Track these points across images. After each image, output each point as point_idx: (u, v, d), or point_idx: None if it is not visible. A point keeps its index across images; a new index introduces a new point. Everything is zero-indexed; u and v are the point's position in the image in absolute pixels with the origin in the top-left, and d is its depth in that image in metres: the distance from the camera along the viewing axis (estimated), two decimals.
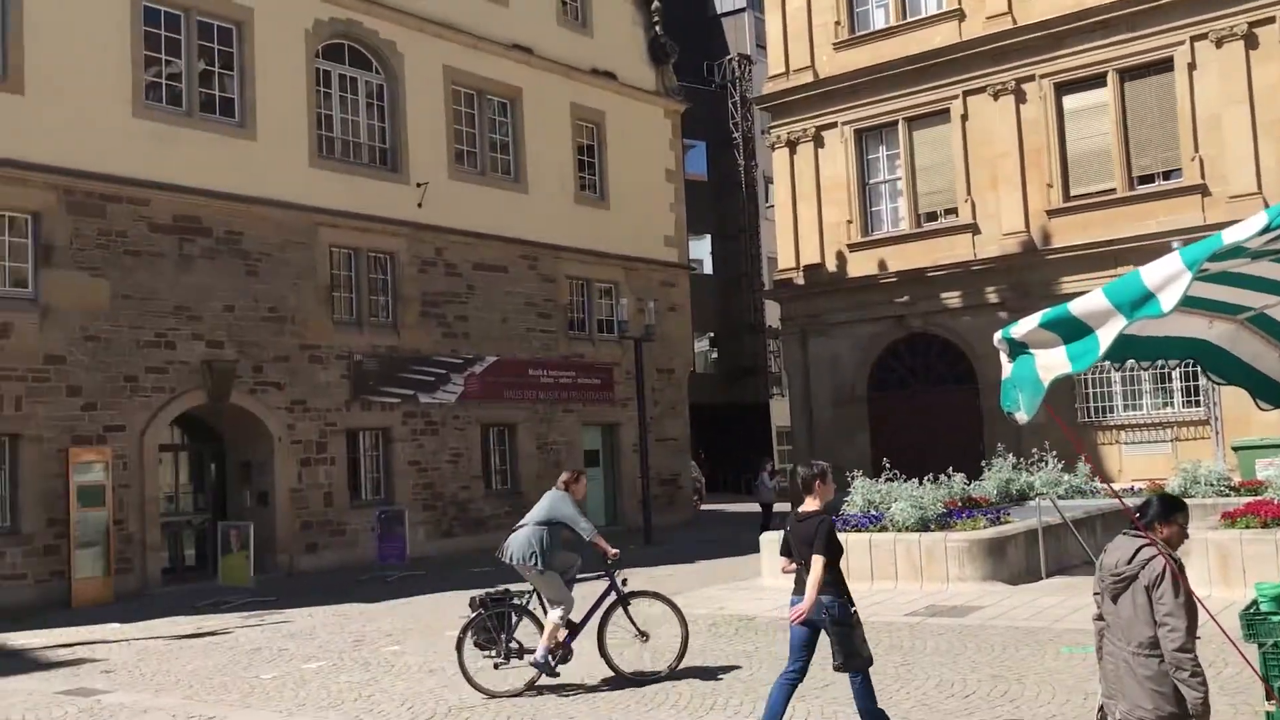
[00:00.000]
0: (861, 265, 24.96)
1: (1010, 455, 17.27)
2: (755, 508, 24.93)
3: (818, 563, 6.40)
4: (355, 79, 20.54)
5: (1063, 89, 22.54)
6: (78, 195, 16.35)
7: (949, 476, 15.63)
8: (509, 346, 22.51)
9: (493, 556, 10.05)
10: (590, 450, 24.32)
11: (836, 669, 6.48)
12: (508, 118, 23.22)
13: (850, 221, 25.05)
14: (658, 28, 26.78)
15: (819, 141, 25.55)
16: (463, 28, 22.10)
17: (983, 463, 17.65)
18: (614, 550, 8.88)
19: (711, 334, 38.03)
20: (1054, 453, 17.06)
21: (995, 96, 23.07)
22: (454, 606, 13.64)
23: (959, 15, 23.69)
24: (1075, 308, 4.05)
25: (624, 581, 9.02)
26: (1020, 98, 22.86)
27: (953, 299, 23.73)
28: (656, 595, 9.35)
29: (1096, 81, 22.04)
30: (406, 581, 16.60)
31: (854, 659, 6.37)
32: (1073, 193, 22.53)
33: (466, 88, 22.35)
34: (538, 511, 8.95)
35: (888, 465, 15.66)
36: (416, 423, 20.74)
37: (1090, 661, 8.50)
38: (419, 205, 20.89)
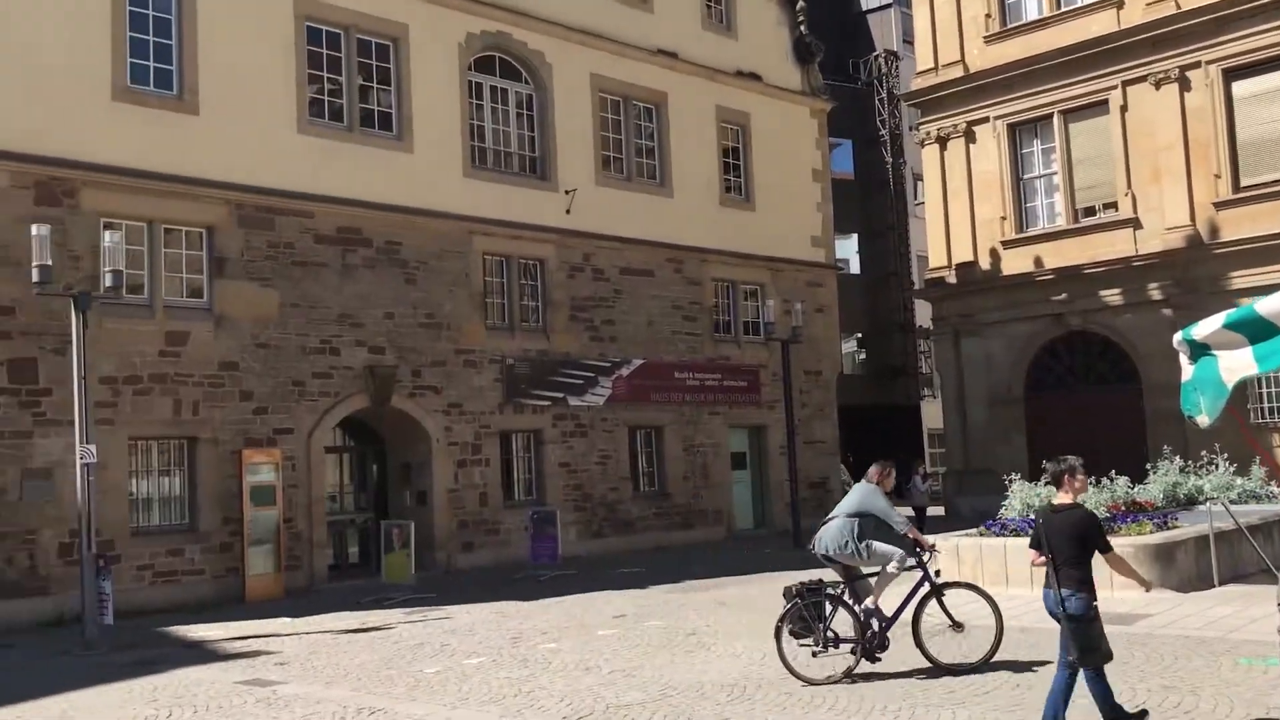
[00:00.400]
0: (1016, 263, 24.33)
1: (1177, 458, 16.60)
2: (908, 511, 24.53)
3: (1113, 558, 6.61)
4: (505, 90, 21.03)
5: (1232, 75, 21.55)
6: (248, 209, 17.18)
7: (1111, 480, 15.10)
8: (655, 349, 22.70)
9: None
10: (737, 453, 24.31)
11: (1070, 665, 6.37)
12: (653, 122, 23.42)
13: (1004, 218, 24.44)
14: (802, 27, 26.61)
15: (970, 137, 25.03)
16: (608, 35, 22.39)
17: (1147, 465, 17.01)
18: (930, 541, 9.20)
19: (859, 334, 37.54)
20: (1225, 455, 16.32)
21: (1157, 85, 22.21)
22: (606, 605, 13.89)
23: (1117, 3, 22.89)
24: (1262, 307, 3.91)
25: (936, 573, 9.10)
26: (1185, 86, 21.96)
27: (1113, 296, 22.92)
28: (971, 586, 9.41)
29: (1269, 66, 20.99)
30: (559, 580, 16.91)
31: (1090, 654, 6.31)
32: (1243, 183, 21.52)
33: (612, 94, 22.64)
34: (848, 504, 9.25)
35: (1045, 468, 15.23)
36: (566, 425, 21.10)
37: (1272, 675, 8.15)
38: (567, 212, 21.25)
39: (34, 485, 14.79)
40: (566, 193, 21.29)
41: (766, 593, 13.21)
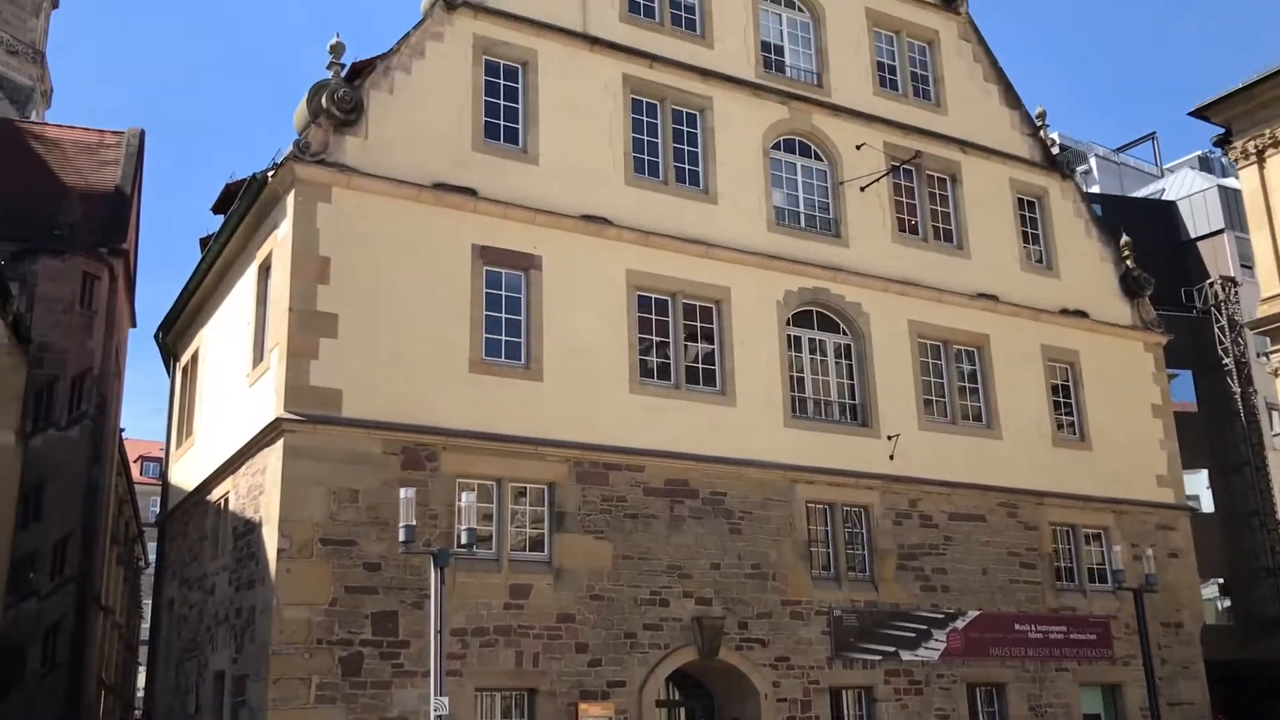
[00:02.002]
0: None
1: None
2: None
3: None
4: (824, 341, 21.50)
5: None
6: (585, 466, 18.16)
7: None
8: (991, 599, 21.54)
9: None
10: (1090, 714, 22.23)
11: None
12: (975, 364, 23.10)
13: None
14: (1128, 261, 25.85)
15: None
16: (925, 284, 22.61)
17: None
18: None
19: (1220, 580, 34.06)
20: None
21: None
22: None
23: None
24: None
25: None
26: None
27: None
28: None
29: None
30: None
31: None
32: None
33: (932, 339, 22.62)
34: None
35: None
36: (899, 681, 20.15)
37: None
38: (890, 458, 21.04)
39: None
40: (889, 438, 21.15)
41: None
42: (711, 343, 20.14)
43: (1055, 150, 26.24)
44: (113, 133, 34.07)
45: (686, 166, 20.83)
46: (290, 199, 17.12)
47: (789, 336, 20.98)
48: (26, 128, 35.48)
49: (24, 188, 29.60)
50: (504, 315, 18.24)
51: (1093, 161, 51.30)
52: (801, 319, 21.34)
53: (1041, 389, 23.67)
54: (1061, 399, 24.06)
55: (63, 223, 28.82)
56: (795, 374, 20.92)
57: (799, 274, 21.19)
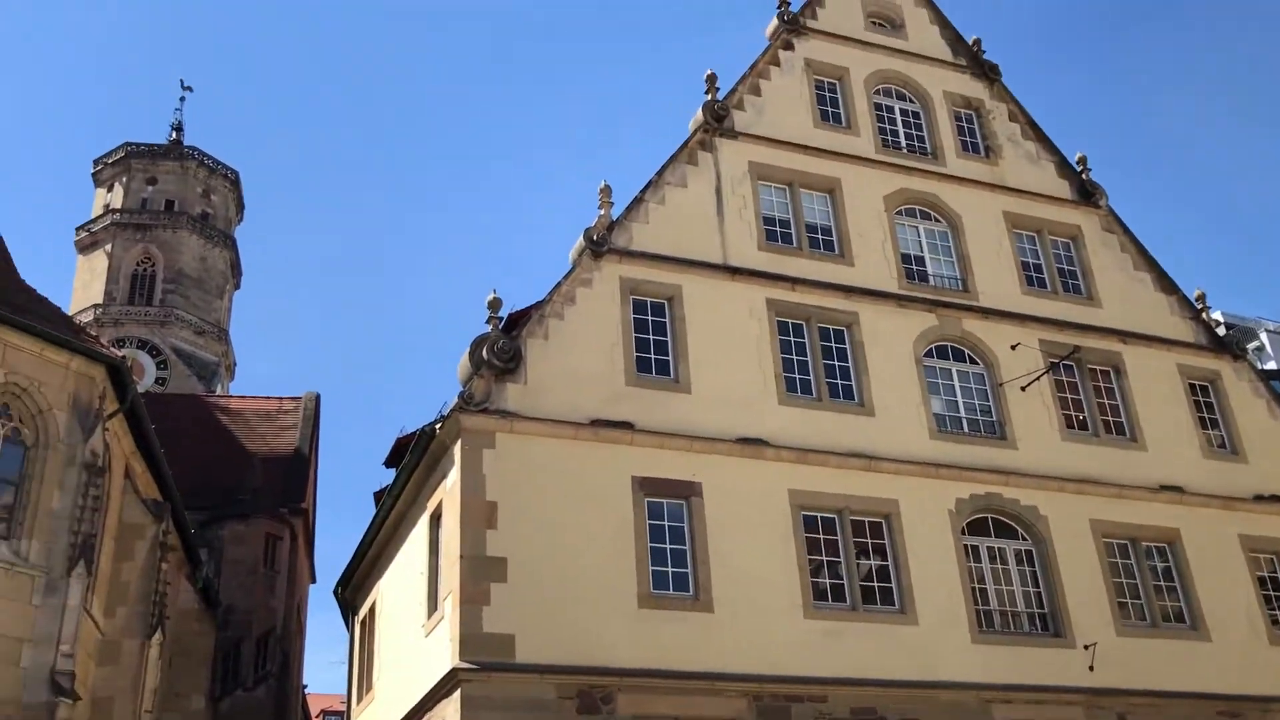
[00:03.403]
0: None
1: None
2: None
3: None
4: (1003, 548, 20.60)
5: None
6: (765, 699, 17.46)
7: None
8: None
9: None
10: None
11: None
12: (1169, 561, 21.72)
13: None
14: None
15: None
16: (1103, 480, 21.65)
17: None
18: None
19: None
20: None
21: None
22: None
23: None
24: None
25: None
26: None
27: None
28: None
29: None
30: None
31: None
32: None
33: (1118, 538, 21.45)
34: None
35: None
36: None
37: None
38: (1090, 668, 19.66)
39: None
40: (1085, 647, 19.81)
41: None
42: (884, 558, 19.52)
43: (1221, 330, 25.36)
44: (290, 399, 36.22)
45: (839, 381, 20.82)
46: (457, 448, 17.70)
47: (966, 546, 20.19)
48: (213, 401, 38.04)
49: (212, 458, 31.45)
50: (668, 546, 18.14)
51: (1264, 337, 49.32)
52: (977, 527, 20.58)
53: (1248, 582, 22.01)
54: (1272, 592, 22.29)
55: (247, 488, 30.36)
56: (977, 585, 20.01)
57: (968, 480, 20.59)
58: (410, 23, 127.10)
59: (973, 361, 22.26)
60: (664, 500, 18.35)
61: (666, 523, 18.27)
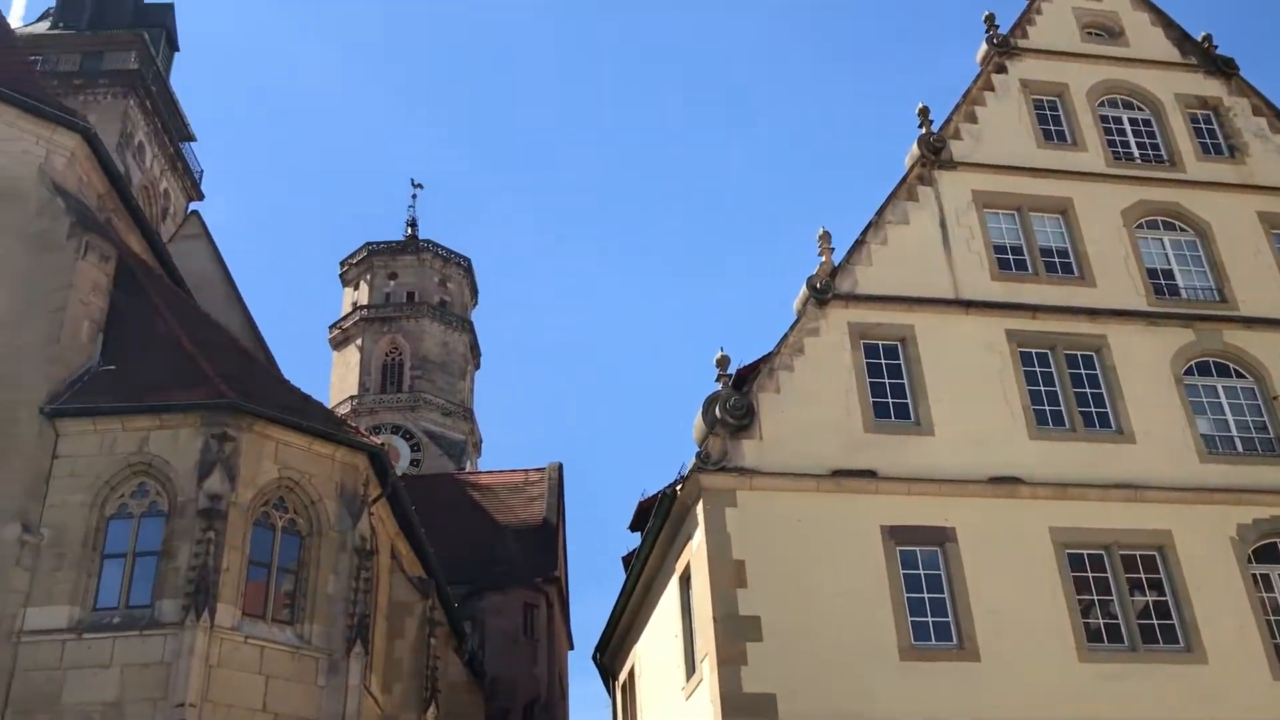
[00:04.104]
0: None
1: None
2: None
3: None
4: None
5: None
6: None
7: None
8: None
9: None
10: None
11: None
12: None
13: None
14: None
15: None
16: None
17: None
18: None
19: None
20: None
21: None
22: None
23: None
24: None
25: None
26: None
27: None
28: None
29: None
30: None
31: None
32: None
33: None
34: None
35: None
36: None
37: None
38: None
39: None
40: None
41: None
42: (1162, 593, 18.21)
43: None
44: (535, 470, 37.41)
45: (1093, 409, 19.74)
46: (699, 508, 17.75)
47: (1255, 575, 18.61)
48: (464, 479, 39.72)
49: (467, 533, 32.77)
50: (926, 595, 17.54)
51: None
52: (1265, 553, 18.94)
53: None
54: None
55: (501, 560, 31.42)
56: (1272, 617, 18.37)
57: (1249, 504, 19.02)
58: (613, 90, 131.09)
59: (1239, 375, 20.67)
60: (916, 548, 17.80)
61: (922, 571, 17.70)
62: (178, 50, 47.44)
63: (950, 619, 17.33)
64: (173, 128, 44.67)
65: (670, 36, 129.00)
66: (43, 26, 43.77)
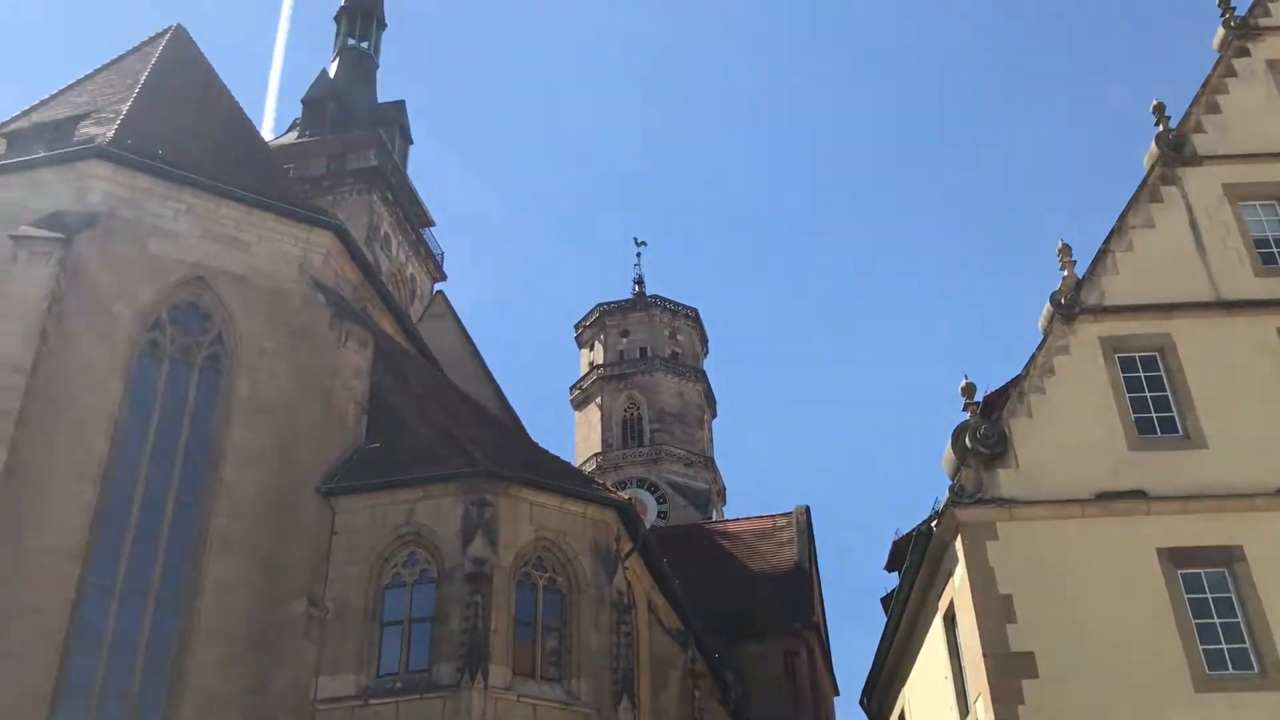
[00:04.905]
0: None
1: None
2: None
3: None
4: None
5: None
6: None
7: None
8: None
9: None
10: None
11: None
12: None
13: None
14: None
15: None
16: None
17: None
18: None
19: None
20: None
21: None
22: None
23: None
24: None
25: None
26: None
27: None
28: None
29: None
30: None
31: None
32: None
33: None
34: None
35: None
36: None
37: None
38: None
39: None
40: None
41: None
42: None
43: None
44: (781, 515, 37.12)
45: None
46: (958, 544, 17.17)
47: None
48: (711, 528, 39.85)
49: (720, 582, 32.79)
50: (1216, 620, 16.29)
51: None
52: None
53: None
54: None
55: (757, 608, 31.26)
56: None
57: None
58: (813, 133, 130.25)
59: None
60: (1200, 570, 16.59)
61: (1209, 595, 16.47)
62: (411, 143, 50.61)
63: (1248, 645, 16.02)
64: (413, 215, 47.55)
65: (897, 50, 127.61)
66: (291, 137, 47.59)
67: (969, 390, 18.34)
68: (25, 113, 24.01)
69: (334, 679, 17.96)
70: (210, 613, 18.38)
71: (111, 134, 21.59)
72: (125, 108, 22.78)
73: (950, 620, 18.17)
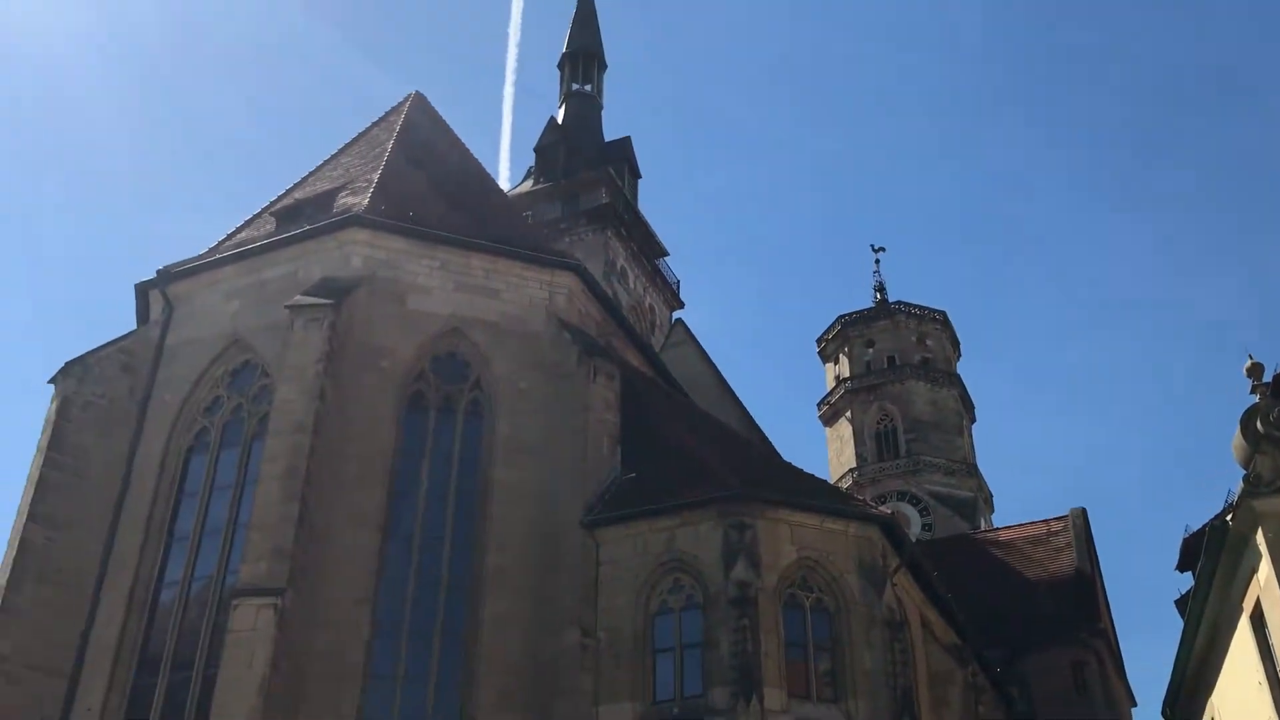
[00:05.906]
0: None
1: None
2: None
3: None
4: None
5: None
6: None
7: None
8: None
9: None
10: None
11: None
12: None
13: None
14: None
15: None
16: None
17: None
18: None
19: None
20: None
21: None
22: None
23: None
24: None
25: None
26: None
27: None
28: None
29: None
30: None
31: None
32: None
33: None
34: None
35: None
36: None
37: None
38: None
39: None
40: None
41: None
42: None
43: None
44: (1056, 520, 35.26)
45: None
46: (1259, 538, 15.80)
47: None
48: (981, 537, 38.32)
49: (995, 593, 31.44)
50: None
51: None
52: None
53: None
54: None
55: (1037, 617, 29.77)
56: None
57: None
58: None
59: None
60: None
61: None
62: (640, 176, 51.60)
63: None
64: (647, 247, 48.41)
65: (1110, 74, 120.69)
66: (527, 185, 49.48)
67: (1255, 370, 16.90)
68: (289, 191, 26.07)
69: (613, 707, 18.24)
70: (490, 648, 19.11)
71: (366, 202, 23.09)
72: (376, 176, 24.32)
73: (1258, 620, 16.69)
